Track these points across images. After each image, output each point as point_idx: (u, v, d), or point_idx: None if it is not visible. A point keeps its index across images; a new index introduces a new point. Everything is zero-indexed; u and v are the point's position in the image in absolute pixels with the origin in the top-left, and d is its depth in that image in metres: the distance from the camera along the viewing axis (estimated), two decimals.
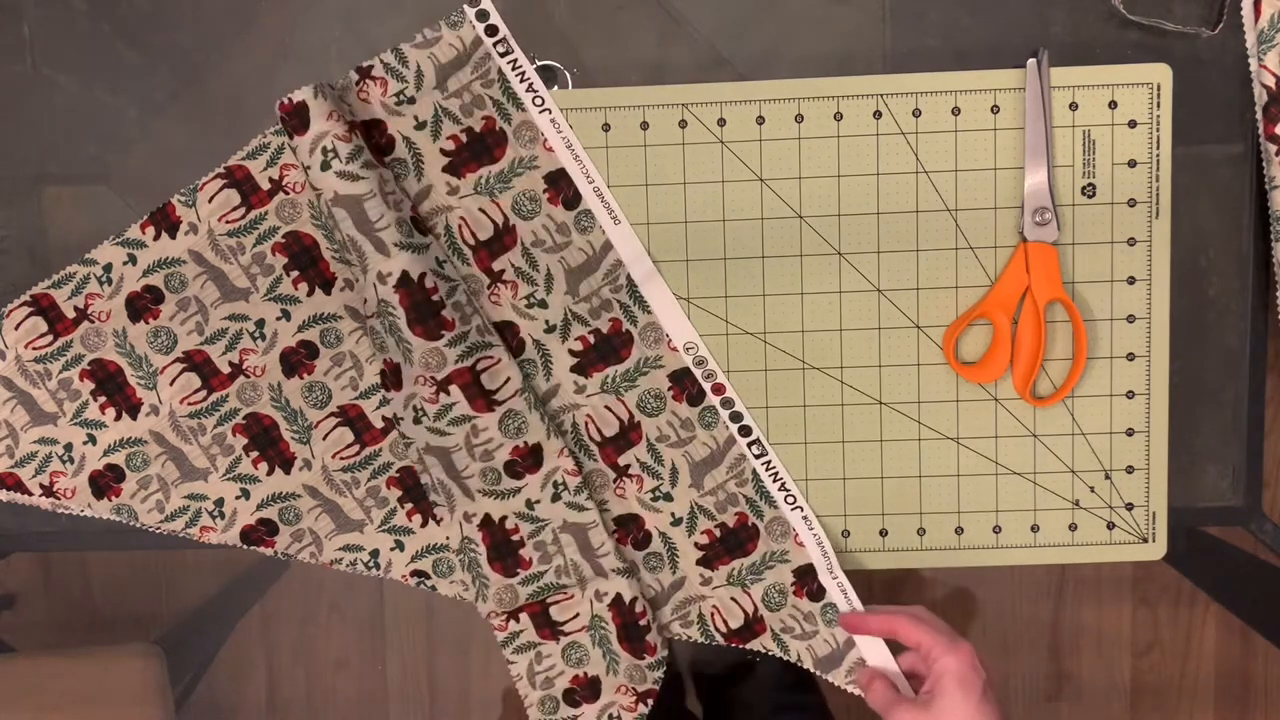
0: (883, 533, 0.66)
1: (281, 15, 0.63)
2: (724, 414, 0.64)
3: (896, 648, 0.62)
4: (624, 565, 0.64)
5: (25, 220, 0.65)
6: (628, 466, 0.64)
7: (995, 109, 0.62)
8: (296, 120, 0.57)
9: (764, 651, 0.65)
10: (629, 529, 0.65)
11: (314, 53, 0.63)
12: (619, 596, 0.64)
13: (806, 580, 0.64)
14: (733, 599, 0.65)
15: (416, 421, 0.61)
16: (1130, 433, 0.65)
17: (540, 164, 0.62)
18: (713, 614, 0.65)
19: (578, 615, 0.65)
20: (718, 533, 0.64)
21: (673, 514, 0.65)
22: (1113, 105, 0.62)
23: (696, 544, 0.65)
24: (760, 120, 0.63)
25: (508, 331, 0.63)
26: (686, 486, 0.64)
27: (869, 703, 0.60)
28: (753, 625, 0.65)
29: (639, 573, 0.65)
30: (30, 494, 0.64)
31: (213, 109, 0.64)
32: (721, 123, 0.63)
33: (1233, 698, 1.34)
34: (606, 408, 0.64)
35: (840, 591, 0.64)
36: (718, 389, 0.64)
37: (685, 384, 0.64)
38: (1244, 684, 1.34)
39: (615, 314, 0.63)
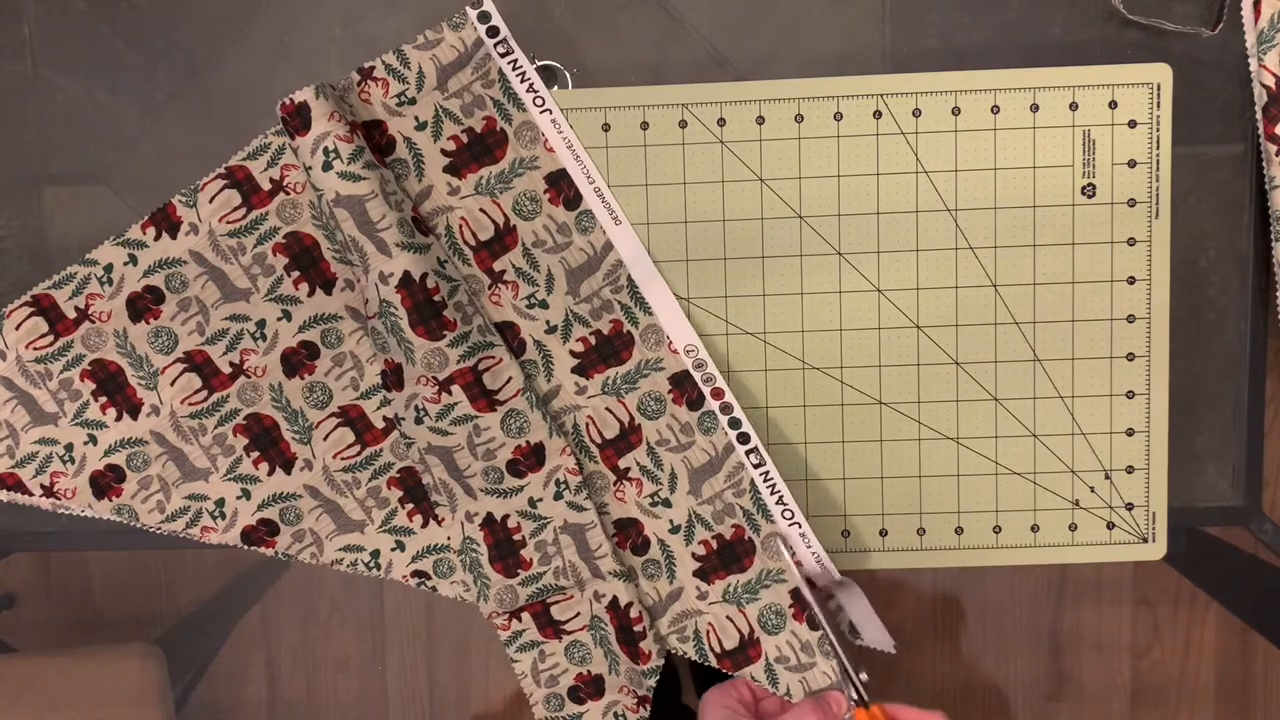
0: (883, 533, 0.66)
1: (281, 15, 0.63)
2: (723, 420, 0.63)
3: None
4: (621, 569, 0.64)
5: (25, 220, 0.65)
6: (628, 470, 0.64)
7: (995, 109, 0.62)
8: (298, 121, 0.57)
9: (753, 680, 0.64)
10: (628, 533, 0.65)
11: (314, 53, 0.63)
12: (615, 599, 0.64)
13: (806, 604, 0.63)
14: (728, 618, 0.64)
15: (418, 421, 0.61)
16: (1130, 433, 0.65)
17: (541, 164, 0.62)
18: (708, 631, 0.64)
19: (579, 614, 0.65)
20: (714, 544, 0.64)
21: (671, 521, 0.64)
22: (1113, 105, 0.62)
23: (694, 554, 0.64)
24: (760, 120, 0.63)
25: (508, 332, 0.63)
26: (685, 493, 0.64)
27: None
28: (747, 649, 0.64)
29: (637, 578, 0.65)
30: (31, 494, 0.64)
31: (213, 109, 0.64)
32: (721, 123, 0.63)
33: (1233, 698, 1.34)
34: (607, 409, 0.64)
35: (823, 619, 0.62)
36: (717, 393, 0.63)
37: (685, 387, 0.63)
38: (1244, 684, 1.34)
39: (616, 315, 0.63)
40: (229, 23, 0.63)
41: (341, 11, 0.63)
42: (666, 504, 0.64)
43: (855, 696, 0.61)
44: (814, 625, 0.62)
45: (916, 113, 0.63)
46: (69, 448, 0.63)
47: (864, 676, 0.61)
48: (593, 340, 0.63)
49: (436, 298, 0.59)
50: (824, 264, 0.64)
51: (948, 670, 1.33)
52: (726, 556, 0.64)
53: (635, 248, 0.63)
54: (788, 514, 0.63)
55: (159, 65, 0.64)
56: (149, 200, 0.63)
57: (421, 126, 0.62)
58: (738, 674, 0.64)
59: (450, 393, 0.60)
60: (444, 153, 0.62)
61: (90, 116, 0.64)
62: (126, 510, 0.64)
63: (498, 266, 0.63)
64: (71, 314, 0.62)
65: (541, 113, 0.62)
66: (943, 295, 0.64)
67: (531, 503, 0.63)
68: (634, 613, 0.63)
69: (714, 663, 0.64)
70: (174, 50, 0.63)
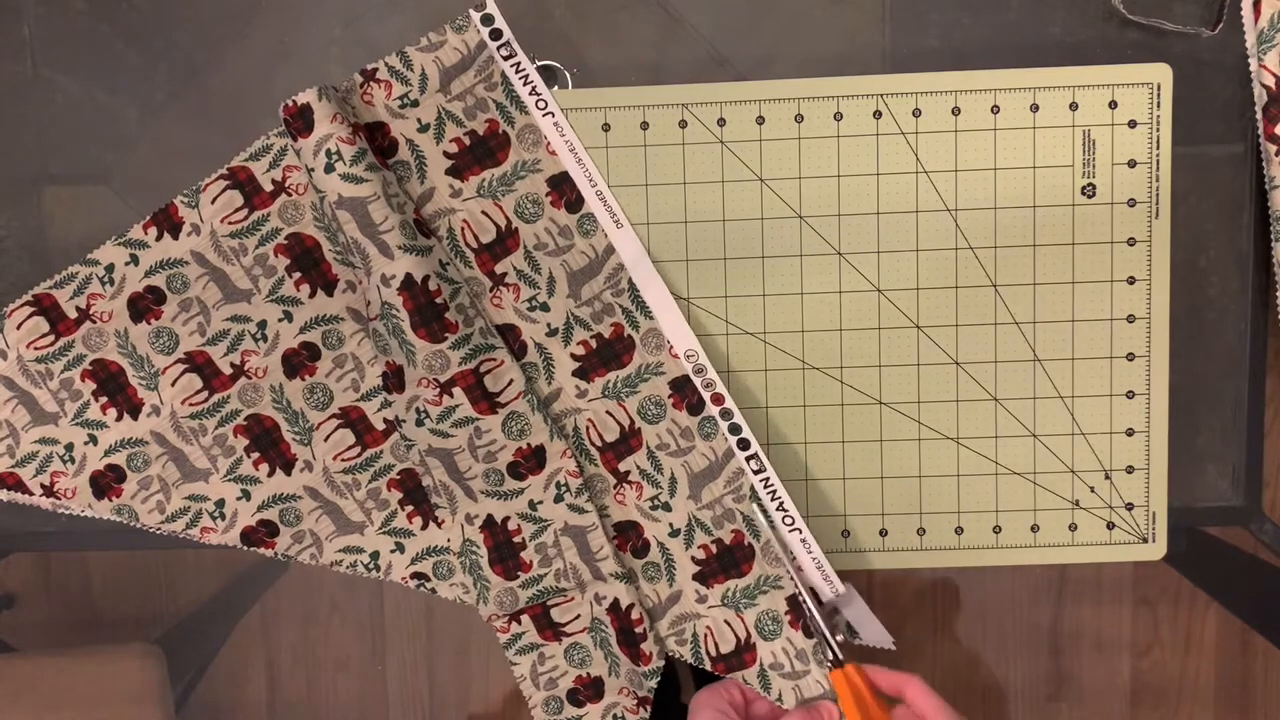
0: (883, 533, 0.66)
1: (281, 15, 0.63)
2: (723, 425, 0.63)
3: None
4: (622, 571, 0.64)
5: (25, 220, 0.65)
6: (628, 473, 0.64)
7: (995, 109, 0.62)
8: (301, 122, 0.57)
9: (746, 684, 0.64)
10: (628, 536, 0.65)
11: (314, 53, 0.63)
12: (616, 602, 0.64)
13: (801, 613, 0.63)
14: (726, 622, 0.64)
15: (419, 424, 0.61)
16: (1130, 433, 0.65)
17: (543, 167, 0.62)
18: (706, 634, 0.64)
19: (579, 617, 0.65)
20: (714, 549, 0.63)
21: (671, 524, 0.64)
22: (1113, 105, 0.62)
23: (694, 558, 0.64)
24: (760, 120, 0.63)
25: (509, 335, 0.63)
26: (685, 498, 0.64)
27: None
28: (742, 654, 0.63)
29: (637, 580, 0.65)
30: (31, 494, 0.64)
31: (213, 109, 0.64)
32: (721, 123, 0.63)
33: (1233, 698, 1.34)
34: (608, 413, 0.64)
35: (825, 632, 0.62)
36: (717, 399, 0.63)
37: (686, 392, 0.63)
38: (1244, 684, 1.34)
39: (617, 318, 0.63)
40: (229, 23, 0.63)
41: (341, 11, 0.63)
42: (666, 508, 0.64)
43: (831, 657, 0.61)
44: (809, 634, 0.62)
45: (916, 113, 0.63)
46: (69, 447, 0.63)
47: (839, 638, 0.61)
48: (594, 344, 0.63)
49: (438, 300, 0.59)
50: (824, 264, 0.64)
51: (948, 670, 1.33)
52: (726, 561, 0.63)
53: (636, 251, 0.63)
54: (789, 520, 0.63)
55: (159, 65, 0.64)
56: (149, 200, 0.63)
57: (424, 129, 0.62)
58: (729, 677, 0.64)
59: (451, 395, 0.60)
60: (446, 155, 0.62)
61: (90, 116, 0.64)
62: (126, 510, 0.64)
63: (499, 269, 0.63)
64: (73, 314, 0.62)
65: (544, 116, 0.62)
66: (943, 295, 0.64)
67: (532, 505, 0.63)
68: (635, 614, 0.63)
69: (709, 666, 0.64)
70: (174, 50, 0.63)
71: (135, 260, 0.62)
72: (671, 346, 0.63)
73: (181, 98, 0.64)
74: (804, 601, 0.62)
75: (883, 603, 1.31)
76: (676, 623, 0.64)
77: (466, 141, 0.62)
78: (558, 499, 0.63)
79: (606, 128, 0.63)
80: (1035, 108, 0.62)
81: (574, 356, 0.63)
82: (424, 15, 0.63)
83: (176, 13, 0.63)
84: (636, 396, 0.63)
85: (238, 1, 0.63)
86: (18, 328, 0.62)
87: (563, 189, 0.62)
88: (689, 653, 0.64)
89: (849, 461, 0.65)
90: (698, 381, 0.63)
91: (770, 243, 0.64)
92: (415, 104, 0.61)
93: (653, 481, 0.64)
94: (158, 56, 0.63)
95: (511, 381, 0.61)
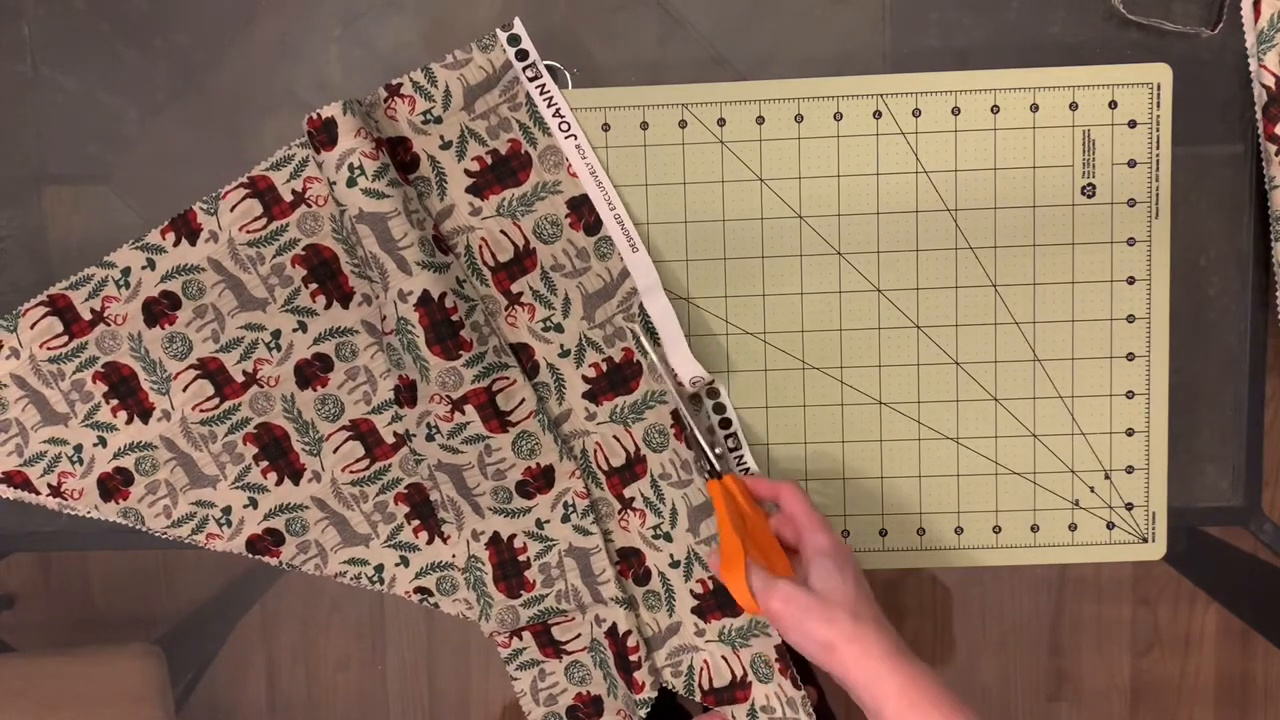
0: (882, 533, 0.66)
1: (281, 15, 0.63)
2: (731, 457, 0.63)
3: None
4: (623, 596, 0.63)
5: (25, 220, 0.65)
6: (632, 499, 0.64)
7: (995, 109, 0.62)
8: (324, 135, 0.57)
9: None
10: (631, 563, 0.64)
11: (314, 53, 0.63)
12: (614, 626, 0.63)
13: (788, 661, 0.62)
14: (723, 658, 0.63)
15: (429, 439, 0.61)
16: (1130, 433, 0.65)
17: (563, 189, 0.62)
18: (702, 668, 0.64)
19: (579, 635, 0.65)
20: (710, 585, 0.63)
21: (671, 555, 0.64)
22: (1113, 105, 0.62)
23: (692, 591, 0.63)
24: (760, 120, 0.63)
25: (523, 354, 0.63)
26: (684, 530, 0.63)
27: (750, 589, 0.55)
28: (735, 690, 0.63)
29: (638, 607, 0.64)
30: (38, 493, 0.64)
31: (213, 109, 0.64)
32: (721, 123, 0.63)
33: (1233, 698, 1.34)
34: (614, 437, 0.63)
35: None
36: (724, 424, 0.63)
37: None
38: (1244, 684, 1.34)
39: (628, 343, 0.63)
40: (229, 23, 0.63)
41: (341, 11, 0.63)
42: (667, 538, 0.64)
43: (709, 468, 0.61)
44: (798, 684, 0.62)
45: (916, 113, 0.63)
46: (78, 448, 0.63)
47: (718, 450, 0.62)
48: (604, 367, 0.63)
49: (454, 317, 0.59)
50: (824, 264, 0.64)
51: (948, 670, 1.33)
52: (721, 599, 0.63)
53: (650, 278, 0.62)
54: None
55: (159, 65, 0.64)
56: (149, 200, 0.63)
57: (446, 145, 0.61)
58: (717, 708, 0.63)
59: (463, 412, 0.60)
60: (468, 173, 0.62)
61: (90, 116, 0.64)
62: (133, 514, 0.64)
63: (515, 288, 0.63)
64: (87, 315, 0.62)
65: (566, 138, 0.62)
66: (943, 295, 0.64)
67: (539, 524, 0.63)
68: (631, 642, 0.63)
69: (699, 698, 0.64)
70: (174, 50, 0.63)
71: (152, 265, 0.62)
72: (676, 374, 0.63)
73: (181, 98, 0.64)
74: (684, 415, 0.62)
75: (883, 603, 1.31)
76: (674, 654, 0.64)
77: (488, 160, 0.62)
78: (564, 519, 0.63)
79: (606, 128, 0.63)
80: (1035, 108, 0.62)
81: (585, 379, 0.63)
82: (424, 16, 0.63)
83: (176, 13, 0.63)
84: (642, 423, 0.63)
85: (238, 1, 0.63)
86: (31, 327, 0.62)
87: (581, 211, 0.62)
88: (682, 685, 0.64)
89: (849, 461, 0.65)
90: (708, 403, 0.63)
91: (770, 243, 0.64)
92: (439, 120, 0.61)
93: (655, 511, 0.63)
94: (158, 56, 0.63)
95: (523, 401, 0.61)
